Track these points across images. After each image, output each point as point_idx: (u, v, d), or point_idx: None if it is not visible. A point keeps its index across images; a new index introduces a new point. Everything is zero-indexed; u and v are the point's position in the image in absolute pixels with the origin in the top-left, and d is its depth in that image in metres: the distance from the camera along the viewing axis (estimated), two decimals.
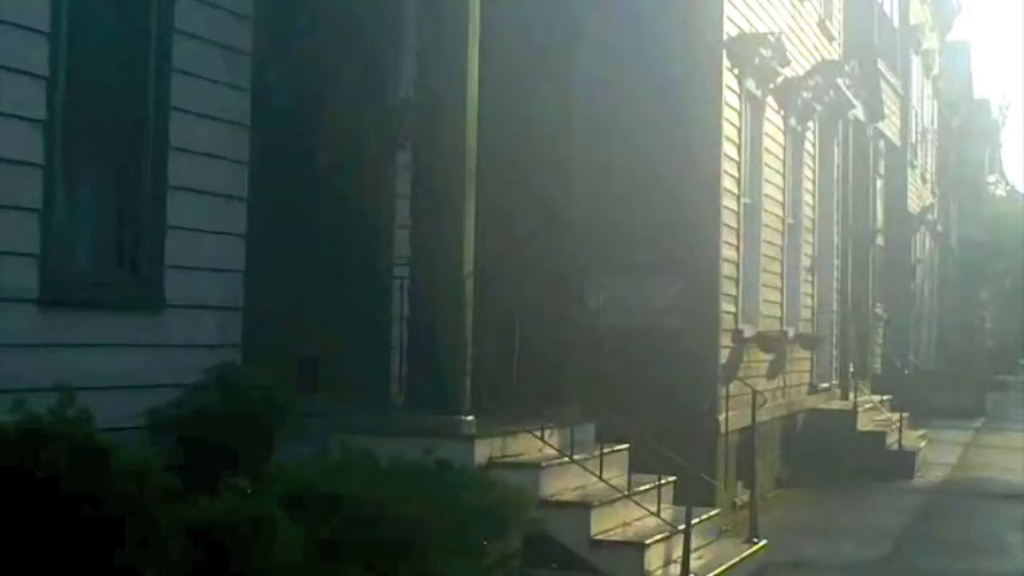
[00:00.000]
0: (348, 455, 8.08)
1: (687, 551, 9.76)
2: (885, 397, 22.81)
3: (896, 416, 20.87)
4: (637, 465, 11.07)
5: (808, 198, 18.92)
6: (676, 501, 11.37)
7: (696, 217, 13.59)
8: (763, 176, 15.94)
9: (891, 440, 20.05)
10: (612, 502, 10.19)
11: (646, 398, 12.86)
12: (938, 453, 22.45)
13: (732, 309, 14.31)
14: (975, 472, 20.73)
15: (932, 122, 38.57)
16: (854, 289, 22.95)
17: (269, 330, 10.57)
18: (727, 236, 14.06)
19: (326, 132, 11.40)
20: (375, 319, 11.72)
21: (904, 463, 19.60)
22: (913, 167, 33.32)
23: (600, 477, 10.09)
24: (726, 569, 10.42)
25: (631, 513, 10.37)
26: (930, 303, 38.11)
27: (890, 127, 28.22)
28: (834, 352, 21.41)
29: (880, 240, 27.69)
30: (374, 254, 11.68)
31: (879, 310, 27.34)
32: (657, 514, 10.13)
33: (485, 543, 8.15)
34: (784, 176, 17.19)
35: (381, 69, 11.73)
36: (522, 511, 8.52)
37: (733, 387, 14.06)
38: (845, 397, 20.82)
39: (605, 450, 10.65)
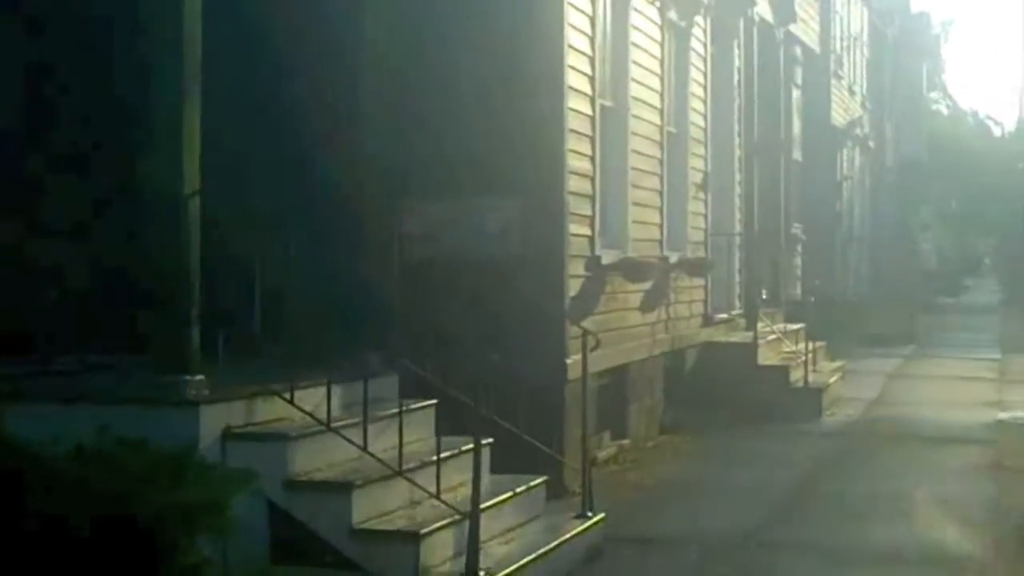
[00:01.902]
0: None
1: (474, 543, 7.61)
2: (797, 326, 20.57)
3: (806, 347, 18.81)
4: (458, 427, 8.96)
5: (698, 104, 16.59)
6: (511, 468, 9.48)
7: (533, 123, 11.11)
8: (631, 76, 13.60)
9: (796, 375, 17.96)
10: (389, 479, 8.06)
11: (474, 342, 10.66)
12: (856, 387, 20.43)
13: (586, 232, 12.01)
14: (895, 409, 18.58)
15: (862, 31, 36.35)
16: (763, 208, 20.75)
17: None
18: (576, 144, 11.68)
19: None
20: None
21: (810, 401, 17.51)
22: (839, 78, 31.17)
23: (364, 448, 7.91)
24: (536, 558, 8.27)
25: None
26: (861, 224, 36.07)
27: (807, 32, 26.01)
28: (737, 279, 19.28)
29: (797, 155, 25.54)
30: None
31: (796, 231, 25.20)
32: (437, 495, 7.97)
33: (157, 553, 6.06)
34: (663, 78, 14.84)
35: None
36: (220, 507, 6.36)
37: (593, 323, 11.90)
38: (752, 328, 18.55)
39: (396, 410, 8.52)
